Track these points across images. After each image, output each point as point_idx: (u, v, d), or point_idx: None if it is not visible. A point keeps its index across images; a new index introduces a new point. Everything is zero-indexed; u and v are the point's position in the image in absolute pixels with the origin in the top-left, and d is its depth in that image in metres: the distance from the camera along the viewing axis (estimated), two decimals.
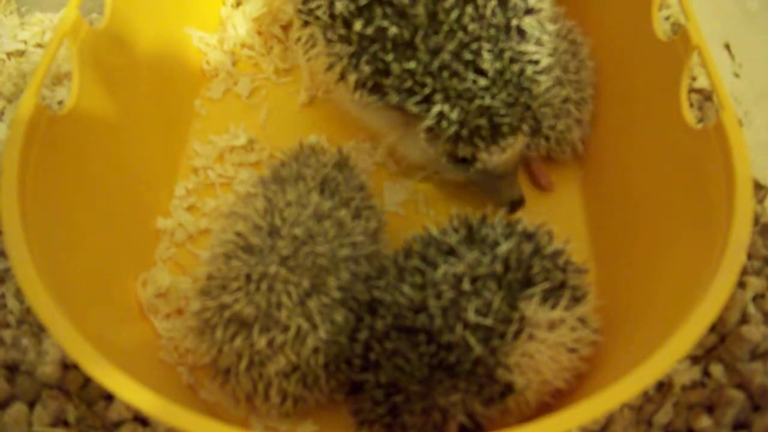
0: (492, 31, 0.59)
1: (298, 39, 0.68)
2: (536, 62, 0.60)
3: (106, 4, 0.64)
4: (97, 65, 0.61)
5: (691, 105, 0.78)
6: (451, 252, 0.55)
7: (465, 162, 0.64)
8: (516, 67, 0.59)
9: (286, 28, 0.85)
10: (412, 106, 0.60)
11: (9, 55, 0.86)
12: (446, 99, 0.59)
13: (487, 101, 0.59)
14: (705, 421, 0.57)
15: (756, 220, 0.69)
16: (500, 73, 0.59)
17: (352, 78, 0.63)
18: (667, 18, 0.86)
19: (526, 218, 0.59)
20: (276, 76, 0.84)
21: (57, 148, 0.55)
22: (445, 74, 0.59)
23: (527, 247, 0.54)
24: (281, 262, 0.54)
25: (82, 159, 0.59)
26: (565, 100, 0.71)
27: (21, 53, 0.87)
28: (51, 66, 0.56)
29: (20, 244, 0.48)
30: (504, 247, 0.54)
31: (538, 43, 0.61)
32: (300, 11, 0.67)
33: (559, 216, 0.71)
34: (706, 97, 0.79)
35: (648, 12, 0.64)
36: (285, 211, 0.57)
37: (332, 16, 0.63)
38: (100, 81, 0.62)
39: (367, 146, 0.77)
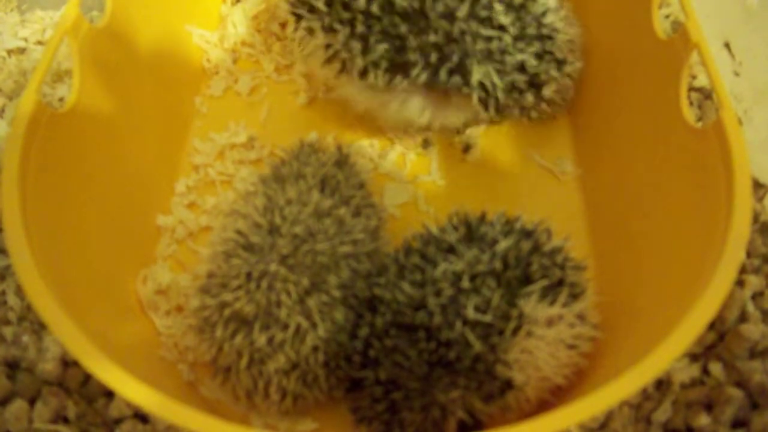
0: None
1: (295, 29, 0.67)
2: (545, 4, 0.61)
3: (106, 1, 0.64)
4: (97, 63, 0.61)
5: (691, 103, 0.78)
6: (450, 250, 0.55)
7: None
8: (530, 18, 0.59)
9: (284, 25, 0.85)
10: (446, 80, 0.59)
11: (9, 52, 0.86)
12: (479, 63, 0.59)
13: (519, 56, 0.59)
14: (704, 419, 0.57)
15: (755, 219, 0.69)
16: (522, 28, 0.59)
17: (363, 62, 0.61)
18: (667, 16, 0.86)
19: (525, 216, 0.59)
20: (276, 74, 0.84)
21: (58, 146, 0.56)
22: (469, 39, 0.58)
23: (526, 245, 0.54)
24: (281, 261, 0.54)
25: (82, 156, 0.59)
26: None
27: (22, 51, 0.87)
28: (52, 63, 0.56)
29: (21, 241, 0.48)
30: (503, 245, 0.54)
31: None
32: (293, 5, 0.66)
33: (558, 213, 0.71)
34: (706, 95, 0.79)
35: (648, 10, 0.64)
36: (285, 209, 0.58)
37: (329, 2, 0.62)
38: (101, 79, 0.62)
39: (367, 144, 0.77)
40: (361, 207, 0.62)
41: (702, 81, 0.80)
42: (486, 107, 0.61)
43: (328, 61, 0.64)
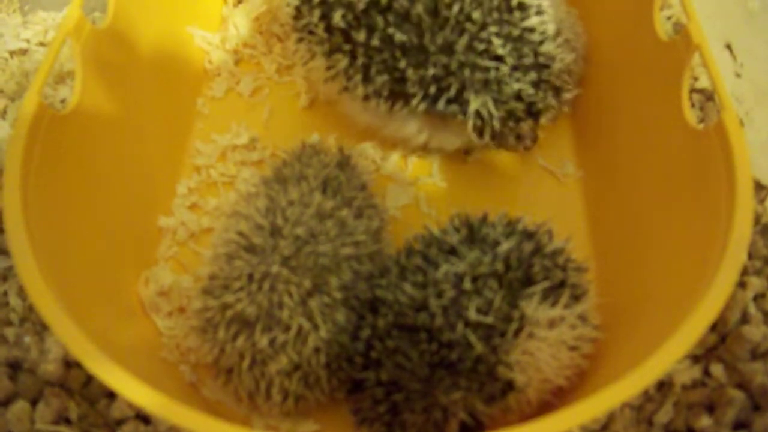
0: (495, 15, 0.59)
1: (295, 51, 0.68)
2: (543, 32, 0.61)
3: (108, 3, 0.64)
4: (99, 64, 0.61)
5: (693, 105, 0.78)
6: (452, 251, 0.55)
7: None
8: (528, 49, 0.60)
9: (285, 26, 0.85)
10: (444, 108, 0.60)
11: (12, 53, 0.87)
12: (476, 93, 0.59)
13: (516, 86, 0.59)
14: (705, 421, 0.57)
15: (757, 220, 0.69)
16: (519, 58, 0.59)
17: (364, 90, 0.62)
18: (668, 18, 0.86)
19: (526, 217, 0.59)
20: (278, 75, 0.84)
21: (59, 147, 0.56)
22: (467, 71, 0.59)
23: (527, 246, 0.54)
24: (283, 262, 0.54)
25: (84, 157, 0.59)
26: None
27: (24, 52, 0.87)
28: (54, 65, 0.56)
29: (23, 242, 0.48)
30: (504, 247, 0.54)
31: (539, 12, 0.62)
32: (294, 27, 0.66)
33: (559, 214, 0.71)
34: (708, 97, 0.79)
35: (649, 11, 0.64)
36: (287, 210, 0.58)
37: (329, 29, 0.62)
38: (103, 80, 0.62)
39: (369, 146, 0.77)
40: (363, 208, 0.62)
41: (703, 82, 0.80)
42: (481, 135, 0.62)
43: (330, 79, 0.65)
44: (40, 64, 0.56)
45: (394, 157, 0.76)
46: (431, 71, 0.59)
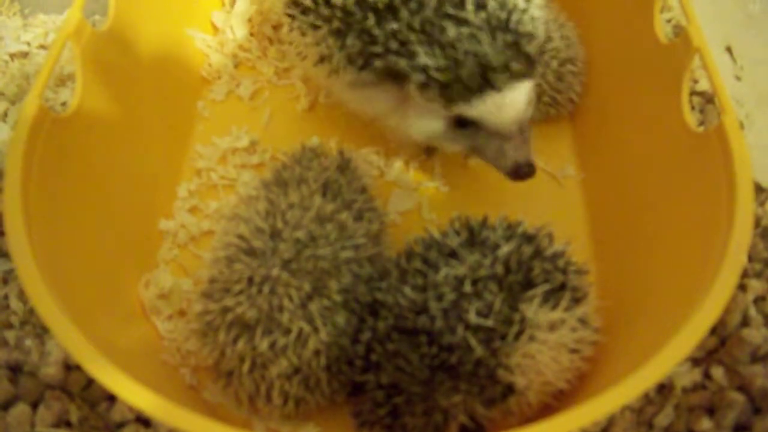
0: None
1: (290, 42, 0.68)
2: (523, 10, 0.59)
3: (109, 6, 0.64)
4: (100, 67, 0.61)
5: (693, 108, 0.78)
6: (452, 254, 0.55)
7: (467, 126, 0.61)
8: (503, 15, 0.58)
9: (277, 27, 0.85)
10: (399, 65, 0.58)
11: (12, 56, 0.87)
12: (431, 49, 0.58)
13: (473, 46, 0.57)
14: (705, 424, 0.57)
15: (757, 223, 0.69)
16: (486, 21, 0.58)
17: (340, 57, 0.61)
18: (668, 20, 0.86)
19: (527, 220, 0.59)
20: (277, 78, 0.84)
21: (60, 150, 0.56)
22: (428, 28, 0.57)
23: (528, 249, 0.54)
24: (283, 266, 0.54)
25: (85, 160, 0.59)
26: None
27: (24, 55, 0.87)
28: (54, 68, 0.56)
29: (23, 245, 0.48)
30: (505, 249, 0.54)
31: None
32: (286, 4, 0.66)
33: (560, 217, 0.71)
34: (708, 99, 0.79)
35: (649, 14, 0.64)
36: (287, 213, 0.58)
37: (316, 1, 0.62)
38: (103, 83, 0.62)
39: (373, 152, 0.77)
40: (362, 211, 0.62)
41: (704, 85, 0.80)
42: (428, 92, 0.59)
43: (320, 61, 0.64)
44: (40, 66, 0.56)
45: (398, 164, 0.76)
46: (394, 25, 0.57)
